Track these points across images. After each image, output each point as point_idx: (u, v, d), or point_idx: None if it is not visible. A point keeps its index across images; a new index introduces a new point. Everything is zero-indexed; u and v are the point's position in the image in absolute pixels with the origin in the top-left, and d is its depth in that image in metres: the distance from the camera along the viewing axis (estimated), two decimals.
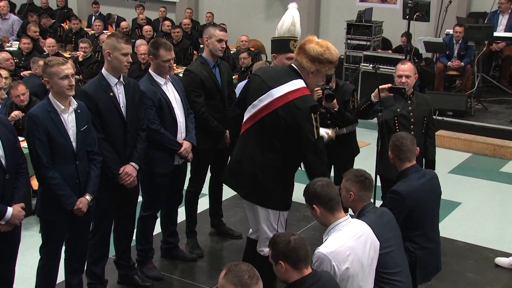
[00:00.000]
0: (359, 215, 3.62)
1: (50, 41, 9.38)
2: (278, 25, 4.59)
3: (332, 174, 4.96)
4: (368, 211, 3.62)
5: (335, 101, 5.01)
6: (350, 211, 3.67)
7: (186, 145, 4.58)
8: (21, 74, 8.62)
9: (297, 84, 3.79)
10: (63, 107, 3.79)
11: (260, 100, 3.85)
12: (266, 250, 3.78)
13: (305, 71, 3.81)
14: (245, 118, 3.98)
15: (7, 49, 10.17)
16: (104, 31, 11.49)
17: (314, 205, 3.32)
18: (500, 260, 5.12)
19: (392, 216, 3.73)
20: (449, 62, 9.63)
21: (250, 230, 4.29)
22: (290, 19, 4.54)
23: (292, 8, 4.63)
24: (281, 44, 4.52)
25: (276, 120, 3.77)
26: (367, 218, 3.53)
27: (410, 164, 4.06)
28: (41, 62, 7.56)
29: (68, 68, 3.78)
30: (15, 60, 8.68)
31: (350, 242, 3.24)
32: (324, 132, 4.45)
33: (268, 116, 3.81)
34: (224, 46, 4.90)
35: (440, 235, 4.22)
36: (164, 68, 4.50)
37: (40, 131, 3.70)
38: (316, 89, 5.05)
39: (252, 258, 4.06)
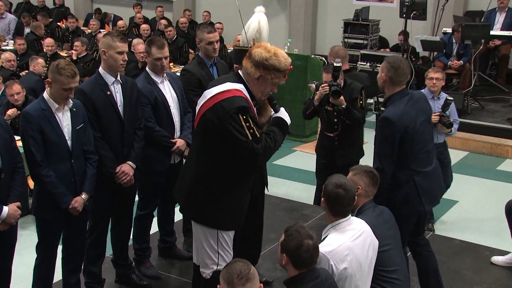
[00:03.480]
0: (358, 212, 3.63)
1: (49, 41, 9.40)
2: (243, 31, 4.29)
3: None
4: (367, 209, 3.62)
5: (342, 98, 5.01)
6: None
7: (180, 143, 4.56)
8: (19, 74, 8.61)
9: (230, 86, 3.44)
10: (57, 106, 3.80)
11: (198, 104, 3.56)
12: (207, 272, 3.61)
13: (250, 78, 3.46)
14: None
15: (3, 48, 10.16)
16: (101, 30, 11.47)
17: (323, 199, 3.35)
18: (496, 259, 5.12)
19: (391, 215, 3.74)
20: (449, 62, 9.64)
21: (193, 252, 3.86)
22: (256, 26, 4.25)
23: (259, 12, 4.31)
24: (242, 55, 4.07)
25: (205, 124, 3.44)
26: (367, 217, 3.54)
27: (399, 88, 3.97)
28: (40, 61, 7.59)
29: (75, 82, 3.79)
30: None
31: (348, 242, 3.25)
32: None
33: (200, 120, 3.50)
34: (216, 46, 4.78)
35: (437, 233, 4.22)
36: (156, 67, 4.48)
37: (34, 129, 3.70)
38: (323, 85, 5.05)
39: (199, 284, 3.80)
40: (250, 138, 3.34)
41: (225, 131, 3.35)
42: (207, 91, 3.50)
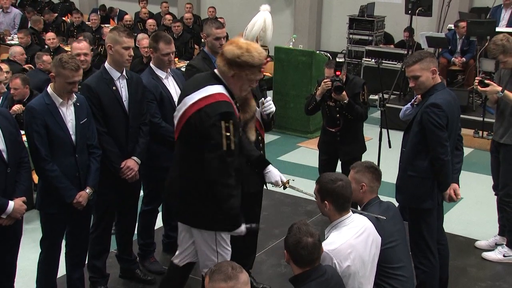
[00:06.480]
0: (364, 209, 3.63)
1: (50, 35, 9.42)
2: (247, 28, 4.25)
3: (339, 170, 4.96)
4: (373, 205, 3.62)
5: (344, 93, 5.01)
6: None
7: None
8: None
9: (212, 90, 3.37)
10: (61, 100, 3.80)
11: (178, 109, 3.49)
12: None
13: (225, 76, 3.41)
14: None
15: (8, 42, 10.19)
16: (107, 25, 11.48)
17: (326, 201, 3.30)
18: (480, 243, 5.30)
19: (397, 210, 3.74)
20: (453, 58, 9.62)
21: (177, 251, 3.83)
22: (262, 24, 4.19)
23: (264, 11, 4.26)
24: None
25: (191, 130, 3.40)
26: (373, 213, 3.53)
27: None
28: (45, 58, 7.57)
29: (79, 75, 3.79)
30: None
31: (352, 239, 3.24)
32: (278, 176, 3.86)
33: (184, 126, 3.44)
34: (223, 42, 4.75)
35: None
36: (164, 62, 4.49)
37: (38, 124, 3.71)
38: (326, 80, 5.05)
39: (175, 285, 3.82)
40: (225, 149, 3.30)
41: (206, 136, 3.31)
42: (188, 97, 3.41)
